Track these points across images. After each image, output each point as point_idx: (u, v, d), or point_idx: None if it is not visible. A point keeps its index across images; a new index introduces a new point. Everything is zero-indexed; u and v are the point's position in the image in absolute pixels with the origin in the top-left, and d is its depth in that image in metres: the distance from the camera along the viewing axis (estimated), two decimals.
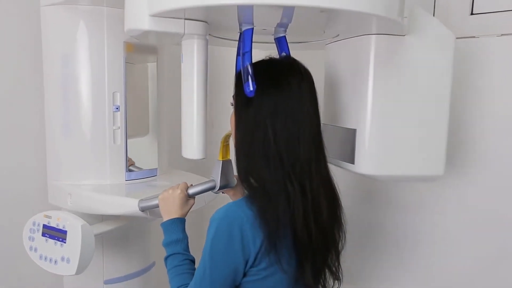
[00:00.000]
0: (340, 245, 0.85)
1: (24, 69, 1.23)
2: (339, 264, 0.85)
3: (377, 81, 0.92)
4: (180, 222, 0.88)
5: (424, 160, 0.96)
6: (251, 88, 0.75)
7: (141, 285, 1.23)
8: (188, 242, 0.87)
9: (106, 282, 1.15)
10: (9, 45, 1.21)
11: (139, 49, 1.12)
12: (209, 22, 0.84)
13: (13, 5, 1.20)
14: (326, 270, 0.83)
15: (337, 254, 0.84)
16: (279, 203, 0.73)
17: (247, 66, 0.76)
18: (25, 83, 1.23)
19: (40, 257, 0.92)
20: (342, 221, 0.85)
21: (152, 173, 1.19)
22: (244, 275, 0.75)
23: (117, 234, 1.14)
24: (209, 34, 0.97)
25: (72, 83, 1.05)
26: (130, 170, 1.17)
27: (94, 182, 1.08)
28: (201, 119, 0.89)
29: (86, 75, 1.05)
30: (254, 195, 0.75)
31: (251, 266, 0.74)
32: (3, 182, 1.23)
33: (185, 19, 0.79)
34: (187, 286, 0.79)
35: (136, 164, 1.21)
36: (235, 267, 0.73)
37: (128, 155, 1.14)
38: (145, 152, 1.22)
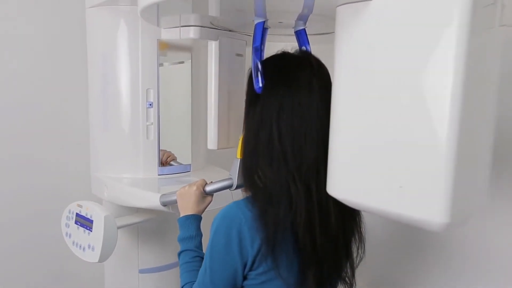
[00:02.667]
0: (357, 255, 0.78)
1: (72, 68, 1.33)
2: (353, 274, 0.78)
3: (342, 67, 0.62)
4: (194, 219, 0.88)
5: (415, 197, 0.54)
6: (260, 84, 0.72)
7: (175, 277, 1.26)
8: (201, 239, 0.87)
9: (141, 271, 1.20)
10: (58, 46, 1.33)
11: (172, 47, 1.14)
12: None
13: (60, 8, 1.31)
14: (338, 281, 0.77)
15: (352, 264, 0.77)
16: (281, 205, 0.69)
17: (256, 62, 0.74)
18: (74, 82, 1.34)
19: (73, 243, 0.99)
20: (361, 229, 0.78)
21: (185, 169, 1.21)
22: (245, 278, 0.73)
23: (152, 225, 1.18)
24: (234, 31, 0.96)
25: (110, 80, 1.11)
26: (170, 165, 1.21)
27: (129, 175, 1.13)
28: (214, 112, 0.93)
29: (122, 72, 1.10)
30: (256, 196, 0.72)
31: (250, 270, 0.71)
32: (56, 173, 1.35)
33: None
34: (193, 284, 0.78)
35: (178, 160, 1.25)
36: (234, 269, 0.71)
37: (170, 150, 1.19)
38: (185, 148, 1.25)
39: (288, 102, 0.70)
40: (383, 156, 0.56)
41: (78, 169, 1.35)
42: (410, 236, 1.23)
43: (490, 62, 0.57)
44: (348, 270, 0.77)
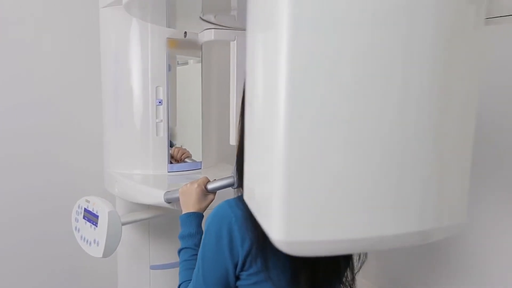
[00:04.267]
0: (359, 258, 0.75)
1: (86, 67, 1.37)
2: (353, 277, 0.74)
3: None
4: (195, 216, 0.87)
5: (264, 209, 0.47)
6: None
7: None
8: (201, 237, 0.86)
9: (152, 267, 1.21)
10: (72, 46, 1.36)
11: (181, 45, 1.14)
12: None
13: (74, 8, 1.34)
14: (339, 285, 0.73)
15: (352, 268, 0.74)
16: None
17: None
18: (88, 80, 1.37)
19: (81, 237, 1.01)
20: None
21: (195, 166, 1.21)
22: (238, 278, 0.71)
23: (163, 222, 1.19)
24: None
25: (121, 79, 1.12)
26: (185, 162, 1.22)
27: (140, 172, 1.14)
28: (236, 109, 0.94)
29: (133, 70, 1.11)
30: None
31: (241, 270, 0.69)
32: (71, 170, 1.39)
33: None
34: (189, 283, 0.77)
35: (193, 157, 1.26)
36: (225, 268, 0.69)
37: (185, 147, 1.21)
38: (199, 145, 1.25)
39: None
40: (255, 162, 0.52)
41: (92, 166, 1.38)
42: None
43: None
44: (348, 274, 0.74)
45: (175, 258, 1.24)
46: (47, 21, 1.32)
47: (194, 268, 0.81)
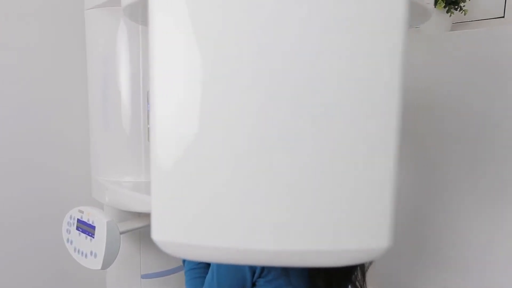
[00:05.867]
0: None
1: (70, 70, 1.31)
2: (364, 280, 0.76)
3: None
4: None
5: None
6: None
7: (178, 282, 1.24)
8: None
9: (144, 276, 1.18)
10: (56, 48, 1.30)
11: None
12: None
13: (57, 10, 1.29)
14: (348, 284, 0.75)
15: (362, 269, 0.76)
16: None
17: None
18: (72, 84, 1.31)
19: (75, 249, 0.97)
20: None
21: None
22: (253, 285, 0.71)
23: None
24: None
25: (110, 83, 1.08)
26: None
27: (131, 178, 1.11)
28: None
29: (122, 74, 1.08)
30: None
31: (259, 277, 0.69)
32: (55, 176, 1.32)
33: None
34: None
35: None
36: (243, 276, 0.69)
37: None
38: None
39: None
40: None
41: (78, 173, 1.33)
42: (415, 238, 1.22)
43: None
44: (359, 274, 0.76)
45: (168, 266, 1.23)
46: (28, 23, 1.26)
47: (201, 277, 0.80)
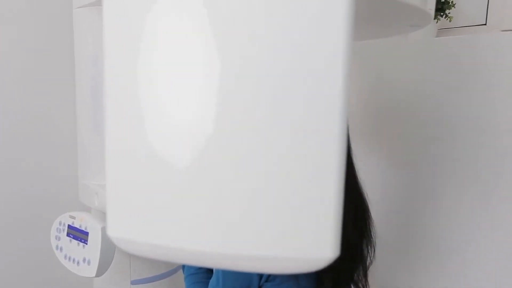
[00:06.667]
0: (368, 260, 0.78)
1: (57, 69, 1.27)
2: (366, 280, 0.77)
3: None
4: None
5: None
6: None
7: (168, 287, 1.22)
8: None
9: (133, 282, 1.15)
10: (43, 48, 1.25)
11: None
12: None
13: (45, 9, 1.24)
14: (353, 286, 0.76)
15: (365, 270, 0.77)
16: None
17: None
18: (60, 84, 1.27)
19: (65, 256, 0.93)
20: (372, 235, 0.78)
21: None
22: None
23: None
24: None
25: (100, 83, 1.05)
26: None
27: None
28: None
29: None
30: None
31: (266, 280, 0.69)
32: (39, 179, 1.27)
33: None
34: None
35: None
36: (249, 280, 0.69)
37: None
38: None
39: None
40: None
41: (64, 176, 1.28)
42: (415, 238, 1.25)
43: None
44: (361, 274, 0.77)
45: (158, 271, 1.20)
46: (15, 22, 1.20)
47: (202, 282, 0.79)
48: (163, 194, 0.40)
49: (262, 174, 0.38)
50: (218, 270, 0.71)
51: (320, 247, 0.38)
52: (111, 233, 0.43)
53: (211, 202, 0.38)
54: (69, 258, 0.92)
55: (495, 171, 1.04)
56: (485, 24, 1.20)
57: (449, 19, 1.16)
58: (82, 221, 0.90)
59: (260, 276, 0.69)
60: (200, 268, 0.81)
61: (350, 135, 0.75)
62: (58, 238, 0.95)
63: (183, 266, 0.83)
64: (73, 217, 0.92)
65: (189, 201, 0.39)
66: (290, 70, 0.38)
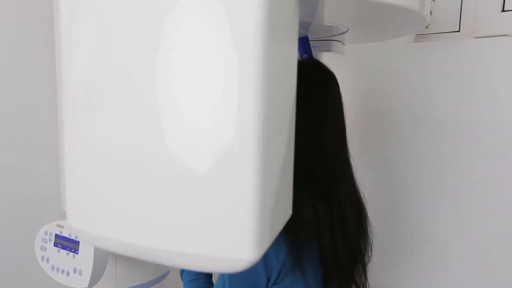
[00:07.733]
0: (366, 258, 0.80)
1: (39, 70, 1.21)
2: (366, 278, 0.79)
3: None
4: None
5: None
6: None
7: None
8: None
9: None
10: (25, 47, 1.20)
11: None
12: None
13: (27, 9, 1.19)
14: (353, 285, 0.78)
15: (364, 268, 0.79)
16: (305, 214, 0.68)
17: None
18: (42, 85, 1.22)
19: (52, 268, 0.89)
20: (369, 234, 0.80)
21: None
22: None
23: None
24: None
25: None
26: None
27: None
28: None
29: None
30: None
31: (274, 283, 0.69)
32: (19, 185, 1.20)
33: None
34: None
35: None
36: (256, 283, 0.69)
37: None
38: None
39: (303, 111, 0.70)
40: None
41: (47, 175, 1.22)
42: (414, 238, 1.28)
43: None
44: (361, 273, 0.79)
45: (144, 279, 1.17)
46: None
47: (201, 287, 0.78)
48: (107, 190, 0.42)
49: (170, 173, 0.38)
50: (223, 274, 0.70)
51: (239, 248, 0.37)
52: (71, 223, 0.45)
53: (138, 200, 0.40)
54: (57, 269, 0.88)
55: (490, 170, 1.10)
56: (459, 31, 1.27)
57: (426, 25, 1.22)
58: (72, 230, 0.86)
59: (268, 279, 0.69)
60: (199, 274, 0.80)
61: (348, 138, 0.77)
62: (43, 248, 0.91)
63: (181, 273, 0.82)
64: (61, 226, 0.88)
65: (124, 199, 0.41)
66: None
